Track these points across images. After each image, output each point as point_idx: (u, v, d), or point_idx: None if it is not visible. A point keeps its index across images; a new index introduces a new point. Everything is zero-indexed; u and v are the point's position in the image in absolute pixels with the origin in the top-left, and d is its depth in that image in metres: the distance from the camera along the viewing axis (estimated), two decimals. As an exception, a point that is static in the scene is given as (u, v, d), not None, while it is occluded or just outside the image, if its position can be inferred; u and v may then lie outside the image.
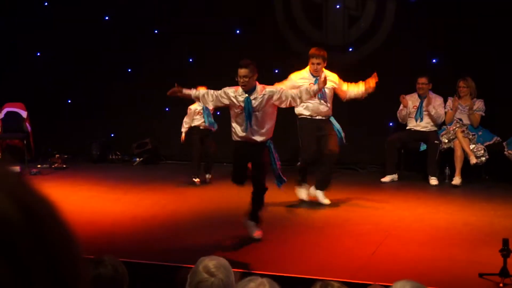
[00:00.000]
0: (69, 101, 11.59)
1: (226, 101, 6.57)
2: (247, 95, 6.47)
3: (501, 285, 5.13)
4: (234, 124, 6.58)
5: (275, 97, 6.49)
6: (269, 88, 6.59)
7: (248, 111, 6.43)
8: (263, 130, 6.50)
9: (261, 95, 6.48)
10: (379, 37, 10.04)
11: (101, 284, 3.00)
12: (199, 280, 2.98)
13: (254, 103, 6.45)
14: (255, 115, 6.46)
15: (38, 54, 11.63)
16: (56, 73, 11.53)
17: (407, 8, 9.87)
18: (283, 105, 6.58)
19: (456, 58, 9.53)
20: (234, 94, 6.53)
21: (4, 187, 0.68)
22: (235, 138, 6.61)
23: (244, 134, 6.51)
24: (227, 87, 6.63)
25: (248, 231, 6.55)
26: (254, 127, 6.48)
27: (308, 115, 7.99)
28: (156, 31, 11.04)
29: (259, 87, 6.52)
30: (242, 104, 6.46)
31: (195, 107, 9.15)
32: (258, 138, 6.51)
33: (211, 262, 3.02)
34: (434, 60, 9.78)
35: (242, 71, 6.45)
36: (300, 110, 7.98)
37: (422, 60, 9.71)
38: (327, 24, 10.33)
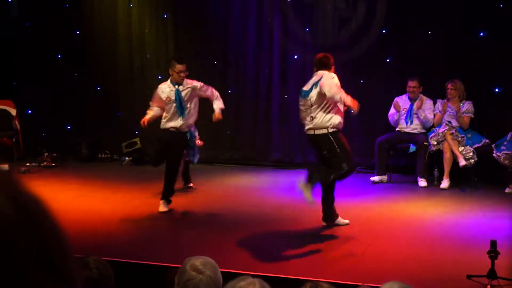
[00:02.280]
0: (59, 100, 11.54)
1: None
2: None
3: (488, 286, 5.15)
4: None
5: None
6: None
7: None
8: None
9: None
10: (369, 38, 10.05)
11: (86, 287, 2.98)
12: (187, 278, 2.98)
13: None
14: None
15: (31, 51, 11.58)
16: (46, 71, 11.48)
17: (397, 9, 9.87)
18: None
19: (446, 60, 9.55)
20: None
21: None
22: None
23: None
24: None
25: None
26: None
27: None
28: (147, 30, 11.03)
29: None
30: None
31: None
32: None
33: (197, 261, 3.03)
34: (424, 61, 9.79)
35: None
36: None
37: (413, 61, 9.72)
38: (318, 25, 10.34)
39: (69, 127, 11.42)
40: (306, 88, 6.95)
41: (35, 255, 0.67)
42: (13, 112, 11.02)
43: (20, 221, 0.67)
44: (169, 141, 7.69)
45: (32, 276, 0.66)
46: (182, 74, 7.58)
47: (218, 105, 7.73)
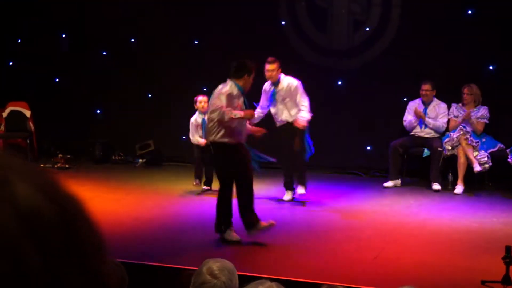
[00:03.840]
0: (73, 101, 11.60)
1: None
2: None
3: (503, 292, 5.12)
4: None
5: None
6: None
7: None
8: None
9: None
10: (383, 42, 10.04)
11: None
12: (202, 281, 2.99)
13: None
14: None
15: (43, 53, 11.63)
16: (60, 73, 11.54)
17: (412, 14, 9.86)
18: None
19: (459, 64, 9.52)
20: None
21: (35, 182, 0.69)
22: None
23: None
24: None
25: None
26: None
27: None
28: (160, 32, 11.06)
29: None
30: None
31: (195, 118, 9.02)
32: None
33: (215, 265, 3.03)
34: (439, 66, 9.76)
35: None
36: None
37: (427, 65, 9.70)
38: (332, 29, 10.34)
39: (82, 128, 11.46)
40: None
41: (71, 254, 0.68)
42: (28, 113, 11.08)
43: (58, 220, 0.68)
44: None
45: (68, 277, 0.67)
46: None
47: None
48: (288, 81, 8.07)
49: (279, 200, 8.28)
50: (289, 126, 8.09)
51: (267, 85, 8.22)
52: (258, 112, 8.05)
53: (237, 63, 6.72)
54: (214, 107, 6.57)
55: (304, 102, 8.01)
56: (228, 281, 3.00)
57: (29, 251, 0.65)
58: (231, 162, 6.52)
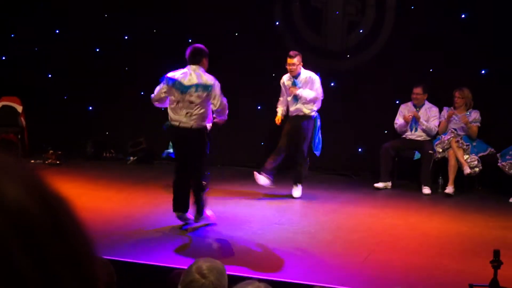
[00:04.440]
0: (66, 97, 11.57)
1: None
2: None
3: (491, 296, 5.14)
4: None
5: None
6: None
7: None
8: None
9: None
10: (377, 44, 10.06)
11: None
12: (191, 280, 2.99)
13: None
14: None
15: (36, 49, 11.60)
16: (52, 68, 11.51)
17: (406, 16, 9.89)
18: None
19: (451, 67, 9.55)
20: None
21: (19, 179, 0.68)
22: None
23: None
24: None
25: None
26: None
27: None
28: (155, 30, 11.04)
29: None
30: None
31: None
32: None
33: (205, 264, 3.04)
34: (431, 69, 9.79)
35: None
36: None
37: (419, 68, 9.73)
38: (326, 30, 10.35)
39: (74, 125, 11.43)
40: (185, 82, 6.71)
41: (58, 253, 0.68)
42: (19, 108, 11.05)
43: (45, 220, 0.68)
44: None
45: (55, 274, 0.67)
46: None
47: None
48: (308, 74, 8.37)
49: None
50: (300, 118, 8.38)
51: (285, 78, 8.48)
52: (283, 111, 8.54)
53: (193, 48, 6.84)
54: None
55: (318, 95, 8.32)
56: (217, 281, 3.00)
57: (17, 251, 0.65)
58: None
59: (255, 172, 8.40)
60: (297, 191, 8.52)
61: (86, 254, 0.71)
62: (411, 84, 9.50)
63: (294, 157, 8.49)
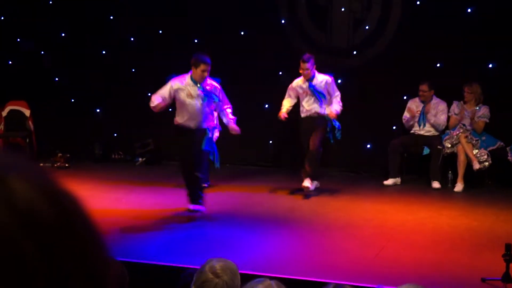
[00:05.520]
0: (72, 100, 11.59)
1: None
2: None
3: (503, 290, 5.12)
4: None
5: None
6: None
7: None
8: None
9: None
10: (383, 41, 10.03)
11: None
12: (204, 280, 2.98)
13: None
14: None
15: (42, 52, 11.63)
16: (59, 72, 11.53)
17: (412, 12, 9.86)
18: None
19: (461, 62, 9.52)
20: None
21: (34, 181, 0.68)
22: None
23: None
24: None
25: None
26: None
27: None
28: (160, 31, 11.04)
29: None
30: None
31: None
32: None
33: (218, 264, 3.03)
34: (438, 65, 9.76)
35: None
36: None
37: (426, 64, 9.70)
38: (332, 27, 10.33)
39: (82, 127, 11.45)
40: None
41: (69, 252, 0.67)
42: (27, 112, 11.08)
43: (55, 219, 0.67)
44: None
45: (65, 272, 0.66)
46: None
47: None
48: (322, 78, 8.50)
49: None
50: (314, 119, 8.55)
51: (300, 82, 8.59)
52: (288, 108, 8.68)
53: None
54: None
55: (337, 95, 8.58)
56: (230, 281, 2.99)
57: (29, 250, 0.64)
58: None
59: (303, 185, 8.46)
60: (310, 184, 8.52)
61: (98, 253, 0.71)
62: (418, 80, 9.46)
63: (307, 153, 8.49)
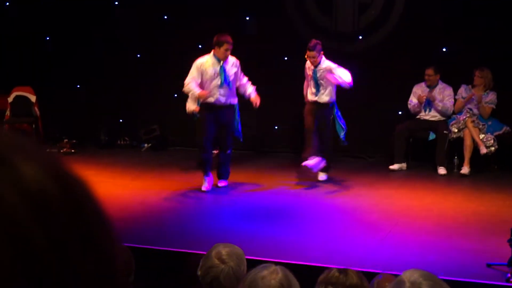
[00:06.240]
0: (78, 86, 11.59)
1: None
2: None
3: (509, 275, 5.12)
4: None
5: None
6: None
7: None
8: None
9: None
10: (389, 25, 9.98)
11: None
12: (210, 265, 2.99)
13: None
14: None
15: (48, 38, 11.62)
16: (65, 57, 11.53)
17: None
18: None
19: (469, 46, 9.45)
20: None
21: (41, 163, 0.68)
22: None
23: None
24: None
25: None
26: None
27: None
28: (165, 17, 11.01)
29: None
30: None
31: None
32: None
33: (224, 249, 3.03)
34: (444, 49, 9.71)
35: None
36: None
37: (432, 48, 9.65)
38: (337, 11, 10.28)
39: (88, 113, 11.46)
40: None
41: (78, 235, 0.67)
42: (33, 98, 11.10)
43: (64, 201, 0.67)
44: None
45: (73, 255, 0.66)
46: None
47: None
48: (327, 64, 8.35)
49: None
50: (318, 106, 8.42)
51: (308, 64, 8.52)
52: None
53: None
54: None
55: (340, 68, 8.34)
56: (237, 266, 2.99)
57: (36, 233, 0.64)
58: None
59: (303, 164, 8.30)
60: (321, 175, 8.53)
61: (106, 236, 0.71)
62: (424, 65, 9.42)
63: (319, 146, 8.42)
